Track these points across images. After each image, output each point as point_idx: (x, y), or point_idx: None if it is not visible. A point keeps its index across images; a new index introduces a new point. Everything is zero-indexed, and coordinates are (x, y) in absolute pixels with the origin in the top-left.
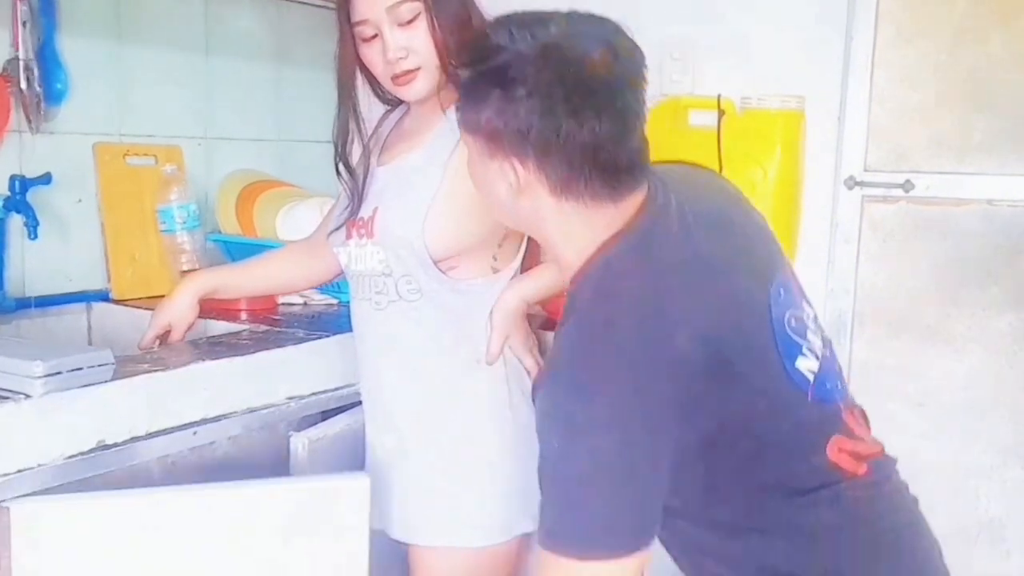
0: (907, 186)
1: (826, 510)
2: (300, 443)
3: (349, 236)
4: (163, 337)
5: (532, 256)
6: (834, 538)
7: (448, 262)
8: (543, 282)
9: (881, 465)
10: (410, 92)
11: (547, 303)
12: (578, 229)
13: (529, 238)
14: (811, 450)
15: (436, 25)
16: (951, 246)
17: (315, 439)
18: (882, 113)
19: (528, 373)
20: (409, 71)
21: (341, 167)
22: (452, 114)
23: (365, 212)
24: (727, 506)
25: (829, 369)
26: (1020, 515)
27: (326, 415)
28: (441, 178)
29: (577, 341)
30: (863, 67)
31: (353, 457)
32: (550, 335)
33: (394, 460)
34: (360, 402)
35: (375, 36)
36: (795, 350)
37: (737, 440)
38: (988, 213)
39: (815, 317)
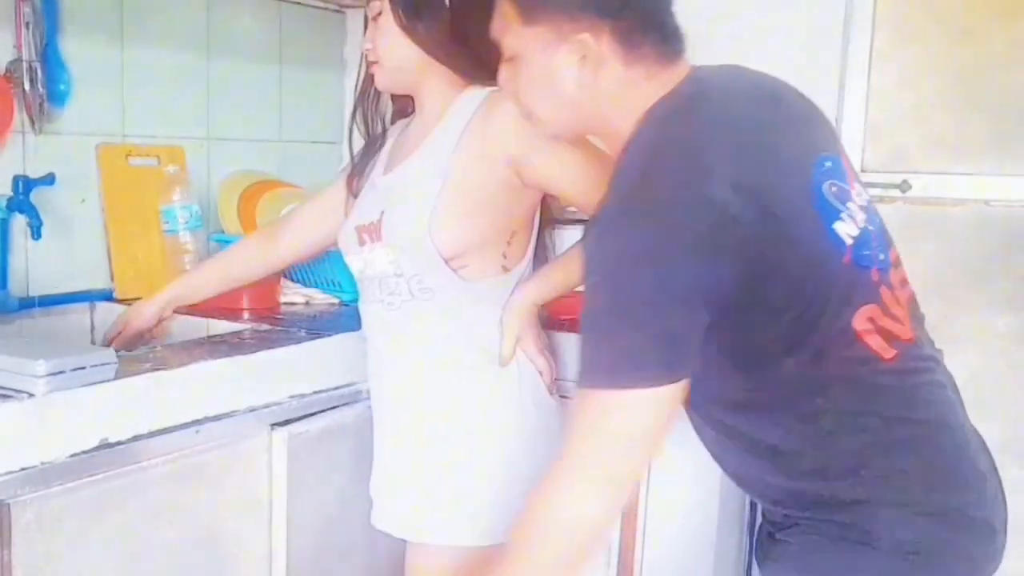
0: (904, 186)
1: (838, 389)
2: (280, 438)
3: (362, 242)
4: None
5: (540, 256)
6: (840, 423)
7: (459, 261)
8: (552, 283)
9: (913, 354)
10: (376, 82)
11: (550, 303)
12: (637, 99)
13: (537, 236)
14: (838, 310)
15: (407, 28)
16: (948, 246)
17: (296, 434)
18: (879, 114)
19: (540, 374)
20: (372, 63)
21: (358, 118)
22: (451, 117)
23: (372, 216)
24: (741, 374)
25: (869, 240)
26: (1018, 515)
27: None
28: (444, 176)
29: (622, 185)
30: (860, 68)
31: (338, 453)
32: (550, 335)
33: (403, 458)
34: (356, 400)
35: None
36: (834, 214)
37: (769, 289)
38: (985, 213)
39: (868, 202)
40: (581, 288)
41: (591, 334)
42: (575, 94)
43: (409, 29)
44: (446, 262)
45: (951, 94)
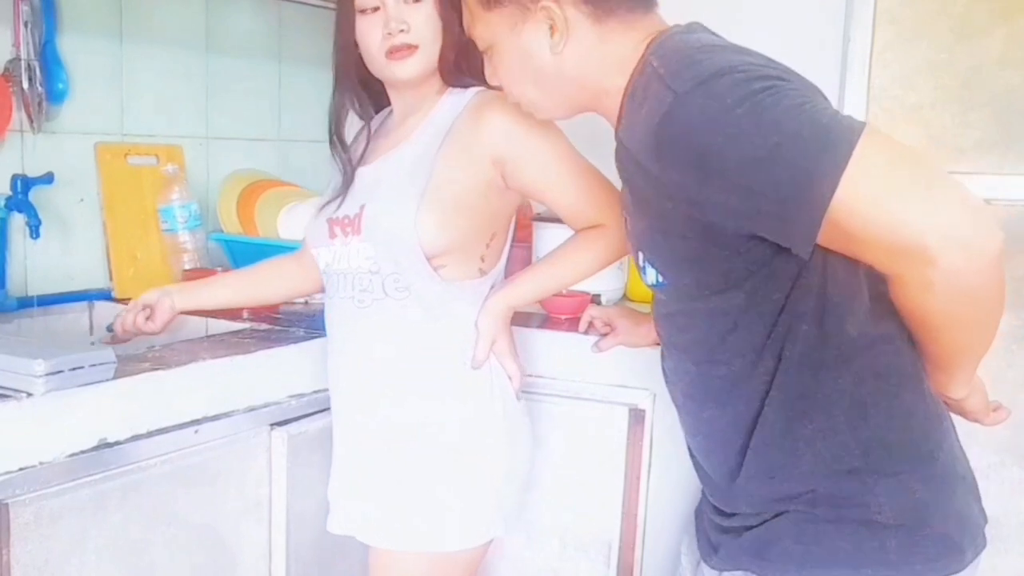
0: None
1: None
2: (279, 437)
3: (333, 235)
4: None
5: (515, 260)
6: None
7: (438, 260)
8: (529, 287)
9: None
10: (403, 69)
11: (546, 302)
12: (620, 50)
13: (512, 241)
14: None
15: (443, 15)
16: None
17: (296, 433)
18: (880, 113)
19: (510, 378)
20: (408, 45)
21: (336, 139)
22: (435, 114)
23: (350, 210)
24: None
25: None
26: (1018, 514)
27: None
28: (429, 174)
29: (681, 66)
30: (861, 68)
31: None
32: (550, 334)
33: (371, 461)
34: None
35: (376, 9)
36: None
37: None
38: None
39: None
40: (574, 288)
41: (784, 148)
42: (554, 65)
43: (448, 21)
44: (428, 260)
45: (952, 93)
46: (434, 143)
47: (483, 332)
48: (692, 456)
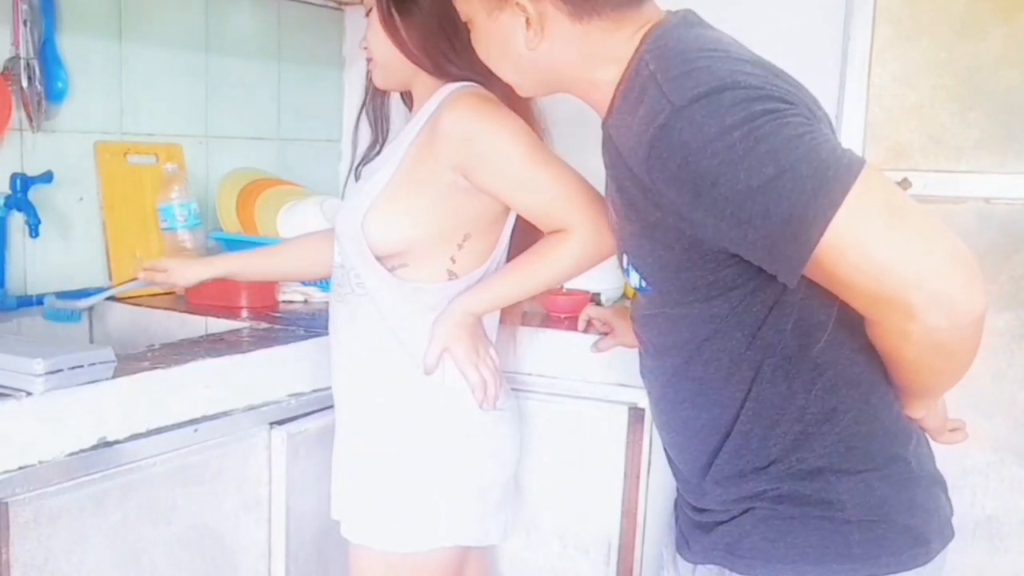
0: (904, 184)
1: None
2: (279, 437)
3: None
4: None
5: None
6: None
7: (395, 260)
8: (495, 292)
9: None
10: (375, 80)
11: (546, 302)
12: (608, 45)
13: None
14: None
15: (386, 22)
16: None
17: (295, 432)
18: (880, 112)
19: (472, 390)
20: (368, 60)
21: (368, 115)
22: (421, 112)
23: None
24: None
25: None
26: (1017, 513)
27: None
28: (394, 170)
29: (679, 72)
30: (861, 66)
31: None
32: (549, 334)
33: (341, 455)
34: None
35: None
36: None
37: None
38: (985, 211)
39: None
40: (573, 288)
41: (780, 183)
42: (530, 57)
43: (386, 24)
44: (379, 259)
45: (951, 92)
46: (406, 142)
47: (435, 337)
48: (664, 450)
